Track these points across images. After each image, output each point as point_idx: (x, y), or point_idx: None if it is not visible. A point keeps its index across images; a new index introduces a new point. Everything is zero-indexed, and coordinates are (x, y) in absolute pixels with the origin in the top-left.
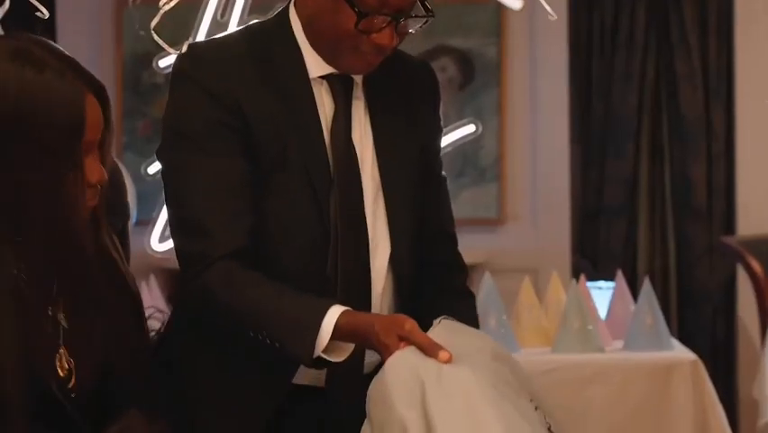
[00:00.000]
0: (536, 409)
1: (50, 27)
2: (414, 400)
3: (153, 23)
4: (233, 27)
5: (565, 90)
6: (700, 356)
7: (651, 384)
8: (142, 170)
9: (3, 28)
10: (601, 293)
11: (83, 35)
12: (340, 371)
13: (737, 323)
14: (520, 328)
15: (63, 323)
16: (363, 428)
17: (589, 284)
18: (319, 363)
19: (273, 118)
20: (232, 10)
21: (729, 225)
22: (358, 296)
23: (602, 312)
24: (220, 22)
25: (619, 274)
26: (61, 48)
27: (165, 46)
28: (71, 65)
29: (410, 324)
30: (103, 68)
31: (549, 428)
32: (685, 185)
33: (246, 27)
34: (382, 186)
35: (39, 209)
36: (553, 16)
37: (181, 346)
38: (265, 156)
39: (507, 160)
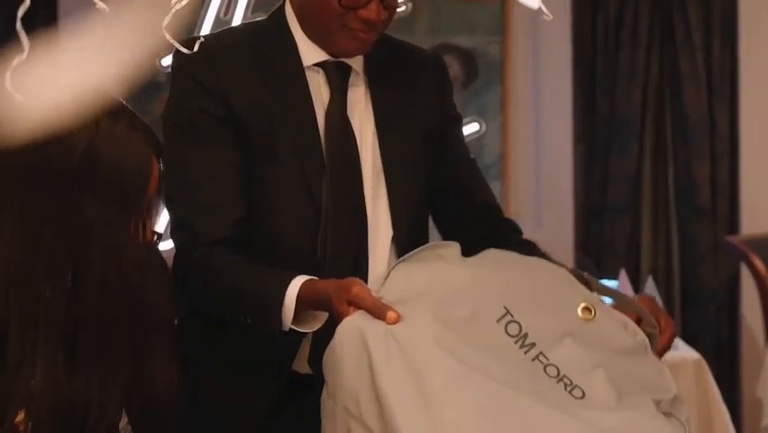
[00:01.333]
0: (517, 330)
1: (52, 24)
2: (362, 369)
3: (165, 23)
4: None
5: (569, 89)
6: (704, 355)
7: None
8: None
9: (7, 25)
10: None
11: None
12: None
13: (741, 322)
14: None
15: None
16: (322, 395)
17: None
18: (295, 334)
19: (262, 106)
20: (235, 8)
21: (733, 224)
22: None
23: None
24: (223, 20)
25: (622, 273)
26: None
27: (178, 46)
28: (137, 119)
29: (357, 288)
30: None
31: (539, 354)
32: (689, 184)
33: (245, 23)
34: (384, 169)
35: (97, 253)
36: (549, 16)
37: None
38: (255, 143)
39: (511, 158)
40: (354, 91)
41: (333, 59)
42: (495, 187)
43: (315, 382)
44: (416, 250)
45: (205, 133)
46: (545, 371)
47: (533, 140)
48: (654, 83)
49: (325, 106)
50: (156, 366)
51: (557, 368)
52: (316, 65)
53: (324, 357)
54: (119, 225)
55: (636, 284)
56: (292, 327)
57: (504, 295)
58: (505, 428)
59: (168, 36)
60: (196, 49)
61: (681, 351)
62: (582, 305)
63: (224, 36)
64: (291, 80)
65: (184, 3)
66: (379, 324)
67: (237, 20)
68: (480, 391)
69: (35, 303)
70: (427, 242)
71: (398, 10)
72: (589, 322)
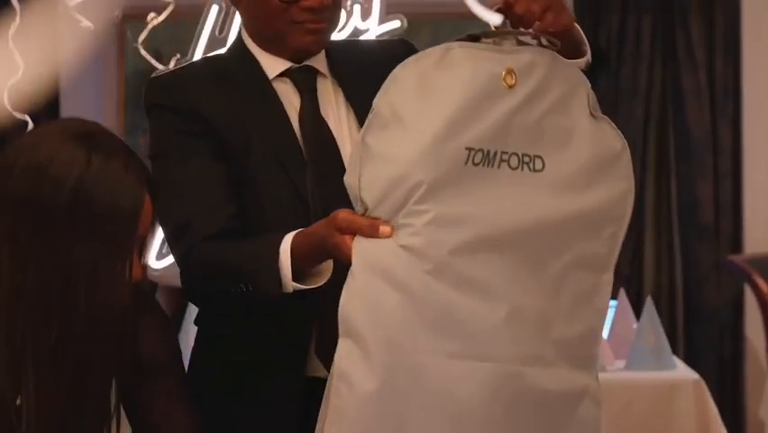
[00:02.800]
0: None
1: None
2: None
3: (141, 38)
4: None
5: None
6: (707, 376)
7: (653, 404)
8: None
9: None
10: None
11: (85, 51)
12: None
13: (745, 342)
14: None
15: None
16: (340, 342)
17: None
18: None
19: (235, 119)
20: (230, 26)
21: (736, 243)
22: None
23: (604, 331)
24: (218, 38)
25: (621, 293)
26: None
27: (153, 61)
28: (133, 157)
29: (342, 214)
30: (105, 84)
31: (501, 156)
32: (692, 202)
33: (205, 57)
34: None
35: (84, 291)
36: (497, 23)
37: (195, 352)
38: (234, 153)
39: None
40: (324, 93)
41: (297, 65)
42: None
43: None
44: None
45: (186, 150)
46: (509, 165)
47: None
48: (657, 100)
49: (297, 110)
50: (165, 412)
51: (516, 154)
52: (281, 75)
53: (346, 304)
54: (106, 265)
55: (640, 303)
56: (296, 285)
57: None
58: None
59: (143, 51)
60: (157, 83)
61: (681, 371)
62: (502, 73)
63: (187, 67)
64: (260, 93)
65: (160, 19)
66: (382, 244)
67: (232, 38)
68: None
69: (21, 340)
70: None
71: (394, 26)
72: (515, 88)
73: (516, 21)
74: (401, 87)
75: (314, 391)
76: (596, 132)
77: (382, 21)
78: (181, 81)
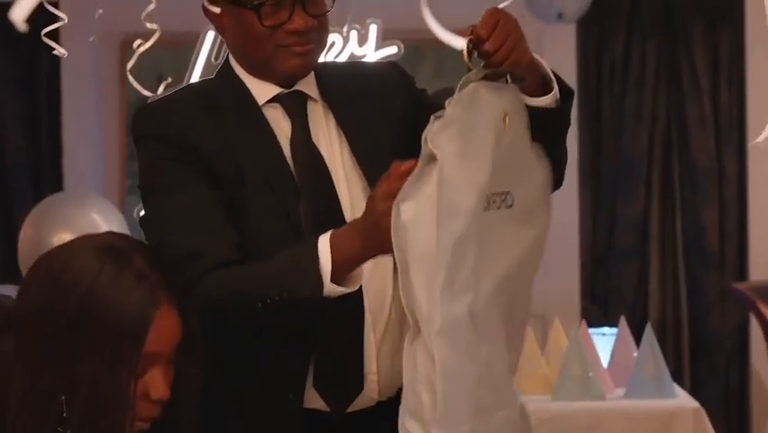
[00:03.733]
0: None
1: (54, 69)
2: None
3: (129, 65)
4: None
5: (574, 132)
6: (713, 405)
7: None
8: None
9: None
10: (605, 339)
11: (87, 77)
12: (342, 394)
13: (751, 371)
14: (519, 375)
15: None
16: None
17: (593, 330)
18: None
19: (226, 148)
20: (227, 52)
21: (742, 271)
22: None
23: (606, 359)
24: (214, 64)
25: (622, 321)
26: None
27: (140, 88)
28: (159, 271)
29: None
30: (106, 110)
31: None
32: (697, 230)
33: (192, 83)
34: (365, 180)
35: (82, 408)
36: (462, 48)
37: None
38: (227, 182)
39: None
40: (315, 118)
41: (287, 90)
42: None
43: (331, 419)
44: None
45: (179, 179)
46: (497, 205)
47: None
48: (661, 127)
49: (288, 136)
50: None
51: (499, 193)
52: (271, 101)
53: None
54: (108, 382)
55: (642, 332)
56: (335, 288)
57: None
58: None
59: (130, 78)
60: (144, 113)
61: (680, 400)
62: (503, 115)
63: (175, 95)
64: (250, 120)
65: (147, 45)
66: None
67: None
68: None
69: None
70: None
71: (392, 53)
72: (506, 129)
73: (484, 56)
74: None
75: (311, 423)
76: (538, 158)
77: (379, 47)
78: (168, 109)
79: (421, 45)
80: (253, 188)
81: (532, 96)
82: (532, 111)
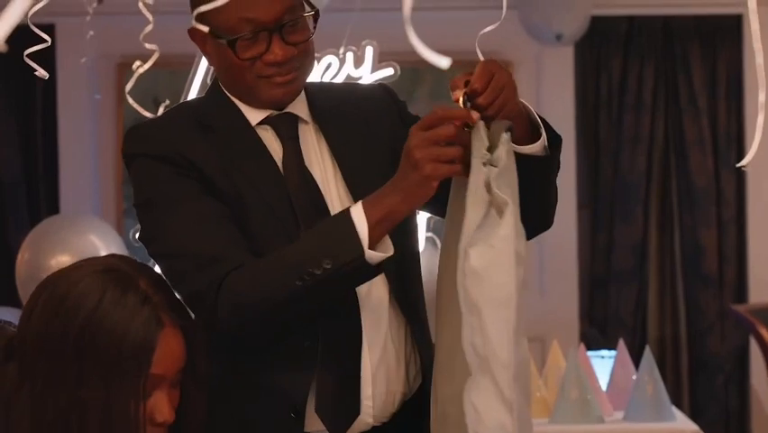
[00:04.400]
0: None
1: (50, 88)
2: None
3: (128, 87)
4: None
5: (572, 154)
6: (712, 428)
7: None
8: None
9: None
10: (604, 362)
11: (83, 99)
12: (341, 418)
13: (750, 392)
14: None
15: None
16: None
17: (592, 353)
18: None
19: (221, 163)
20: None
21: (741, 292)
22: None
23: (604, 382)
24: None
25: (621, 343)
26: (161, 278)
27: (140, 109)
28: (162, 293)
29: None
30: (103, 131)
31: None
32: (695, 251)
33: (181, 102)
34: (355, 200)
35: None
36: (445, 67)
37: None
38: (225, 198)
39: None
40: (306, 140)
41: (277, 112)
42: None
43: None
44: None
45: (184, 190)
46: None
47: None
48: (659, 148)
49: (280, 159)
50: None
51: None
52: (262, 123)
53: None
54: (115, 406)
55: (642, 354)
56: (375, 254)
57: None
58: None
59: (130, 99)
60: (136, 134)
61: (680, 423)
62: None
63: (167, 115)
64: (245, 141)
65: (146, 67)
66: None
67: None
68: None
69: None
70: (415, 258)
71: (387, 75)
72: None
73: (477, 108)
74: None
75: None
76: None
77: (375, 69)
78: (163, 129)
79: (419, 67)
80: (254, 208)
81: (520, 143)
82: (521, 157)
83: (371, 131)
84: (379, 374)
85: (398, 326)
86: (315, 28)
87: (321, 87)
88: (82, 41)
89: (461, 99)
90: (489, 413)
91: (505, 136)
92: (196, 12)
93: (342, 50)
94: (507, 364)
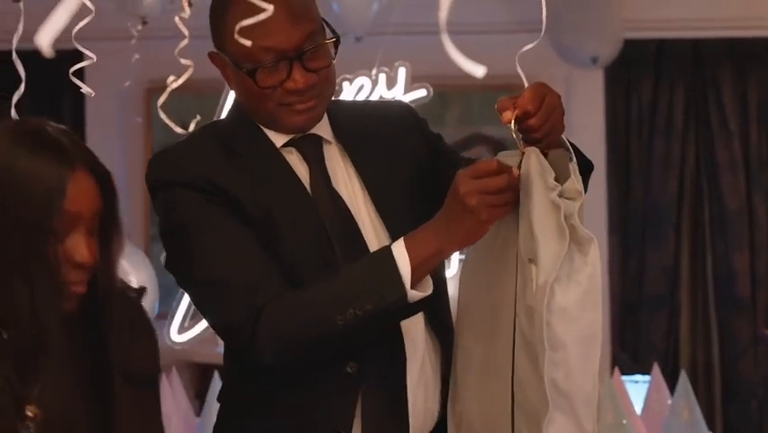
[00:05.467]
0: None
1: (78, 115)
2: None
3: (160, 102)
4: None
5: (602, 177)
6: None
7: None
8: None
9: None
10: (638, 387)
11: (112, 124)
12: None
13: None
14: None
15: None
16: None
17: (626, 378)
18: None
19: (250, 188)
20: None
21: None
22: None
23: (639, 407)
24: None
25: (655, 368)
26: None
27: (172, 125)
28: (75, 143)
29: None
30: (131, 156)
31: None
32: (728, 275)
33: (204, 126)
34: (386, 228)
35: (15, 290)
36: (480, 75)
37: (218, 430)
38: (255, 222)
39: None
40: (332, 161)
41: (301, 134)
42: None
43: None
44: None
45: (213, 216)
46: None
47: None
48: (691, 171)
49: (306, 180)
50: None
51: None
52: (287, 145)
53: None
54: (32, 245)
55: (674, 379)
56: (415, 293)
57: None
58: None
59: (162, 115)
60: (160, 160)
61: None
62: None
63: (190, 140)
64: (271, 164)
65: (180, 81)
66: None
67: None
68: None
69: None
70: (445, 280)
71: (420, 96)
72: None
73: (528, 130)
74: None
75: None
76: None
77: (408, 90)
78: (189, 155)
79: (447, 91)
80: (284, 232)
81: None
82: None
83: (395, 148)
84: (419, 394)
85: (433, 345)
86: (335, 54)
87: (341, 106)
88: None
89: (512, 121)
90: None
91: (572, 166)
92: (216, 38)
93: (374, 72)
94: (591, 399)
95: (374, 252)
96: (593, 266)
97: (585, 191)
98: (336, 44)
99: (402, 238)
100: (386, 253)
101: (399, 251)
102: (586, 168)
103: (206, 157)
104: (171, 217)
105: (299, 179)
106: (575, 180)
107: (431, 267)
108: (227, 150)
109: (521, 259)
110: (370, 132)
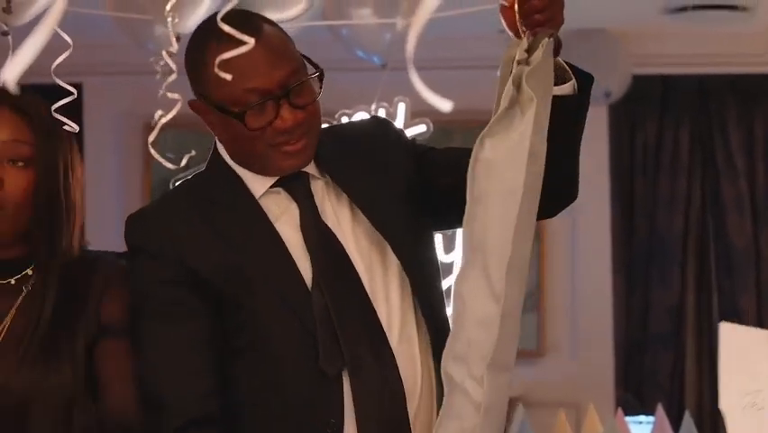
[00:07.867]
0: None
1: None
2: None
3: (151, 138)
4: None
5: (607, 215)
6: None
7: None
8: None
9: None
10: (641, 427)
11: (111, 159)
12: None
13: None
14: None
15: None
16: None
17: (630, 419)
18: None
19: (224, 259)
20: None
21: None
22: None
23: None
24: None
25: (659, 408)
26: None
27: (163, 161)
28: None
29: None
30: (130, 190)
31: None
32: (734, 315)
33: (185, 179)
34: (387, 239)
35: None
36: (447, 110)
37: None
38: (228, 296)
39: (547, 288)
40: (319, 195)
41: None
42: (530, 318)
43: None
44: None
45: (172, 307)
46: None
47: (569, 269)
48: (696, 209)
49: (297, 221)
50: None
51: None
52: (275, 185)
53: None
54: None
55: (680, 420)
56: None
57: None
58: None
59: (152, 151)
60: (137, 222)
61: None
62: None
63: (170, 198)
64: (249, 218)
65: (169, 116)
66: None
67: None
68: None
69: None
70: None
71: (420, 132)
72: None
73: (529, 12)
74: None
75: None
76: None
77: (407, 125)
78: (164, 220)
79: (449, 126)
80: (261, 297)
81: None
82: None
83: (379, 163)
84: (418, 424)
85: (429, 368)
86: (320, 88)
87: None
88: (108, 100)
89: (517, 11)
90: (475, 304)
91: (546, 40)
92: (197, 84)
93: (374, 107)
94: (502, 257)
95: None
96: (526, 125)
97: (587, 108)
98: (320, 78)
99: None
100: None
101: None
102: (585, 83)
103: (180, 222)
104: (136, 294)
105: (276, 234)
106: (541, 50)
107: None
108: (206, 202)
109: None
110: (350, 153)
